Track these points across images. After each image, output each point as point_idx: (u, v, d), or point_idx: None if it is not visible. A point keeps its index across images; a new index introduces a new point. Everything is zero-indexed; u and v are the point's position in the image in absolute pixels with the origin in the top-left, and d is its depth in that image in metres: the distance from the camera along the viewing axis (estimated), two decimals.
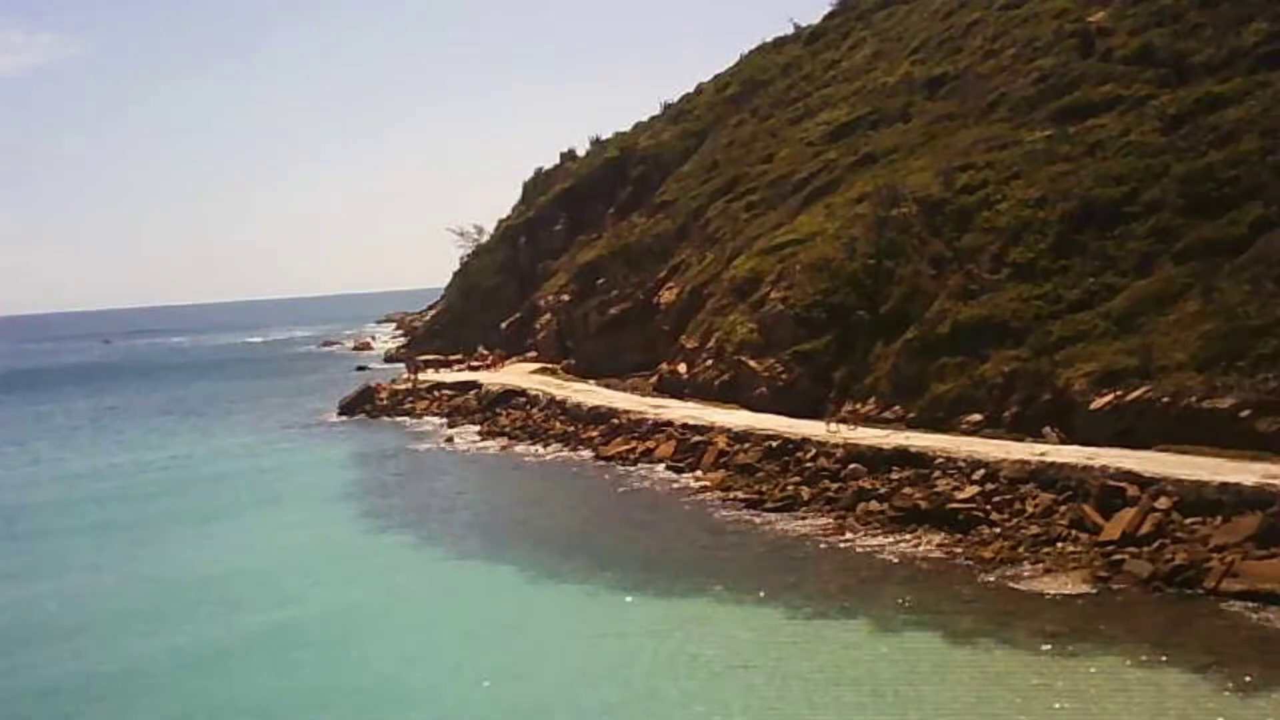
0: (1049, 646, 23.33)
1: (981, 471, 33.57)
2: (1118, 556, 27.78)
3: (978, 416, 42.15)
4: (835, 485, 37.30)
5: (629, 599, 28.82)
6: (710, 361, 59.05)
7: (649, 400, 57.29)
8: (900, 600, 26.98)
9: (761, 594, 28.31)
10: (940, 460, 35.47)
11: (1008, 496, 32.07)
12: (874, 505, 34.74)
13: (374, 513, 42.10)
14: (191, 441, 67.55)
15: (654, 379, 66.40)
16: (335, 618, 28.83)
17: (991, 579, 28.10)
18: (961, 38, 71.62)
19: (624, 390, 65.07)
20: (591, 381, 68.86)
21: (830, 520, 34.83)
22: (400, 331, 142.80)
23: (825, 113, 77.11)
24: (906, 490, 34.53)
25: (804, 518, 35.80)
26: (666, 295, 73.52)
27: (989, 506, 31.94)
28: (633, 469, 46.04)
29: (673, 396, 59.27)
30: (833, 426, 45.54)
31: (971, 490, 32.62)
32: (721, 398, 55.59)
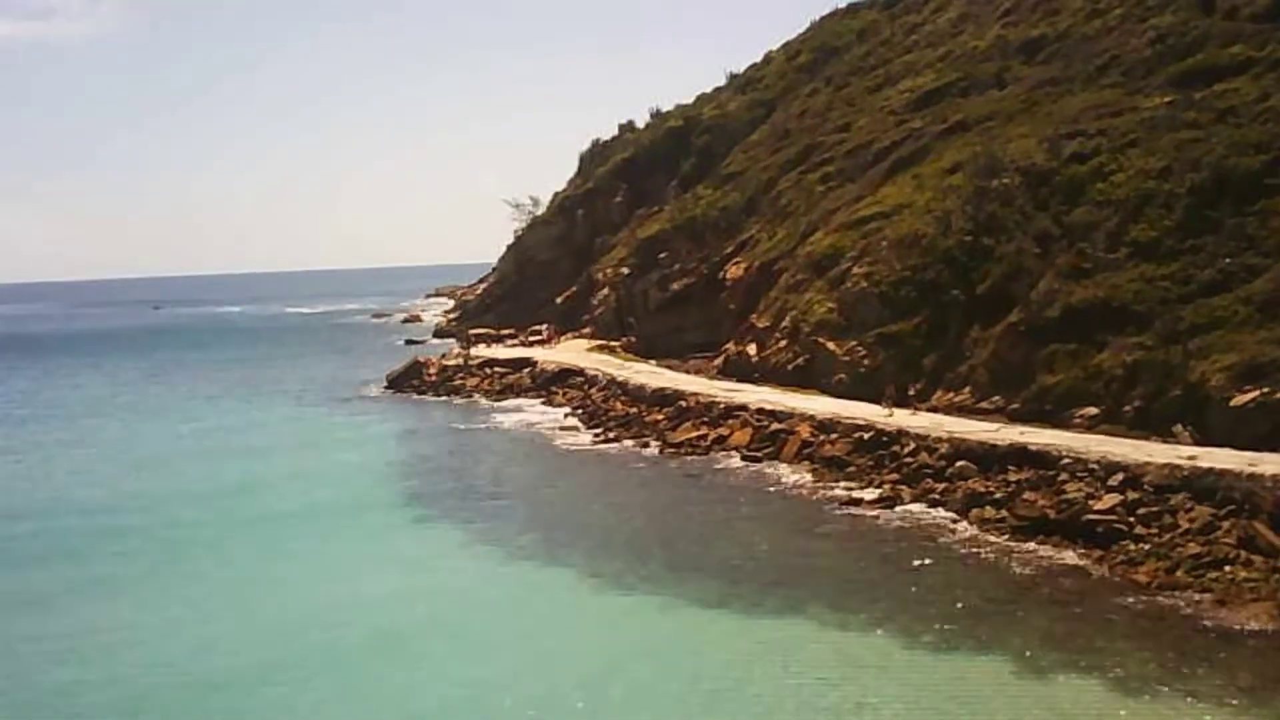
0: (1240, 702, 18.86)
1: (1120, 476, 28.90)
2: None
3: (1093, 411, 37.47)
4: (941, 485, 32.81)
5: (712, 616, 24.50)
6: (784, 343, 54.61)
7: (718, 383, 52.92)
8: (1045, 630, 22.52)
9: (870, 614, 23.99)
10: (1067, 461, 30.83)
11: (1155, 508, 27.41)
12: (990, 511, 30.23)
13: (418, 501, 38.06)
14: (230, 410, 64.37)
15: (719, 360, 62.06)
16: (382, 639, 24.69)
17: (1150, 608, 23.56)
18: None
19: (685, 372, 60.85)
20: (653, 362, 64.58)
21: (938, 524, 30.36)
22: (451, 305, 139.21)
23: (908, 79, 72.23)
24: (1029, 495, 29.96)
25: (906, 521, 31.39)
26: (733, 271, 69.09)
27: (1133, 519, 27.34)
28: (704, 458, 41.68)
29: (740, 380, 54.94)
30: (888, 410, 41.89)
31: (1111, 499, 27.97)
32: (796, 382, 51.19)
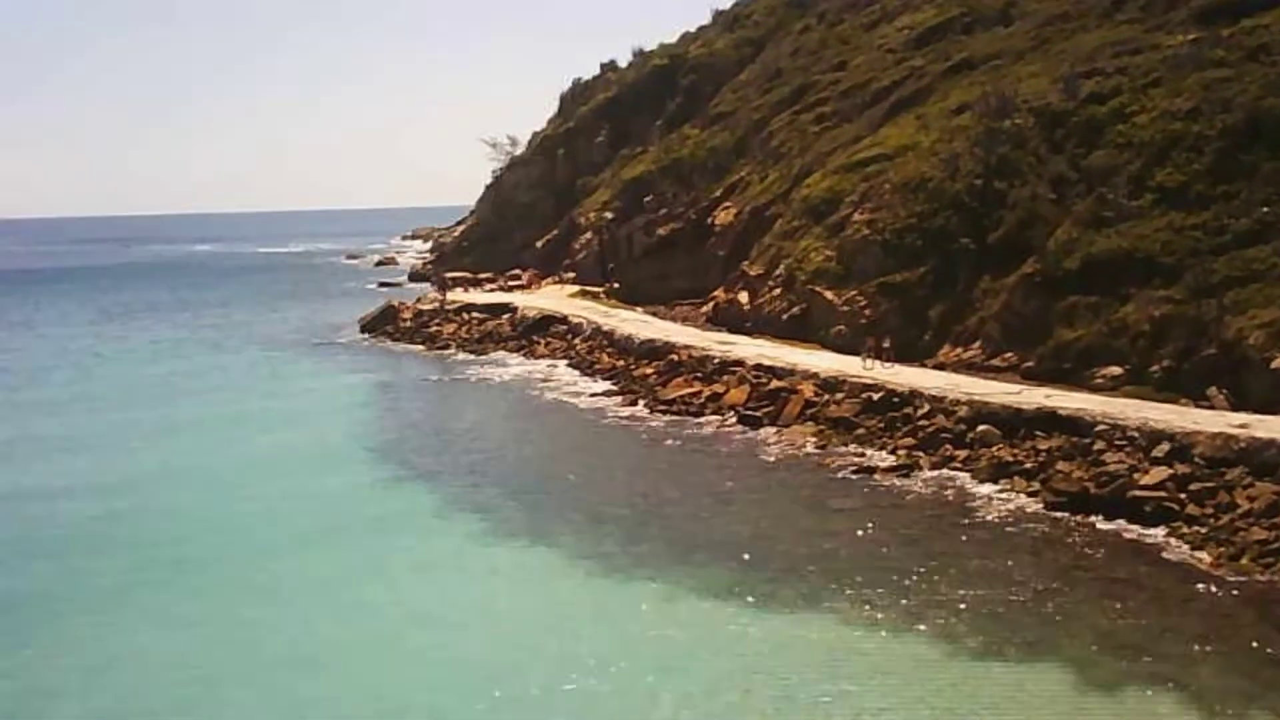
0: None
1: (1166, 447, 26.31)
2: None
3: (1117, 370, 34.93)
4: (963, 452, 30.12)
5: (719, 609, 21.55)
6: (778, 291, 51.80)
7: (711, 335, 50.04)
8: (1103, 630, 19.81)
9: (900, 609, 21.18)
10: (1103, 427, 28.20)
11: (1209, 484, 24.83)
12: (1020, 483, 27.60)
13: (387, 462, 35.03)
14: (192, 353, 61.29)
15: (707, 308, 59.29)
16: (341, 637, 21.85)
17: (1214, 600, 21.04)
18: None
19: (671, 319, 57.99)
20: (639, 309, 61.64)
21: (962, 497, 27.75)
22: (428, 247, 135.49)
23: (906, 16, 69.08)
24: (1063, 466, 27.33)
25: (927, 492, 28.68)
26: (722, 216, 66.07)
27: (1184, 496, 24.78)
28: (698, 419, 38.88)
29: (731, 329, 52.18)
30: (868, 363, 39.78)
31: (1159, 473, 25.37)
32: (790, 333, 48.46)
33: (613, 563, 24.52)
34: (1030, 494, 27.09)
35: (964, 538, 25.06)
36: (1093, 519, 25.47)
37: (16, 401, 47.23)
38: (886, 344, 41.30)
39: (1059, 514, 25.95)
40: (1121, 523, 25.04)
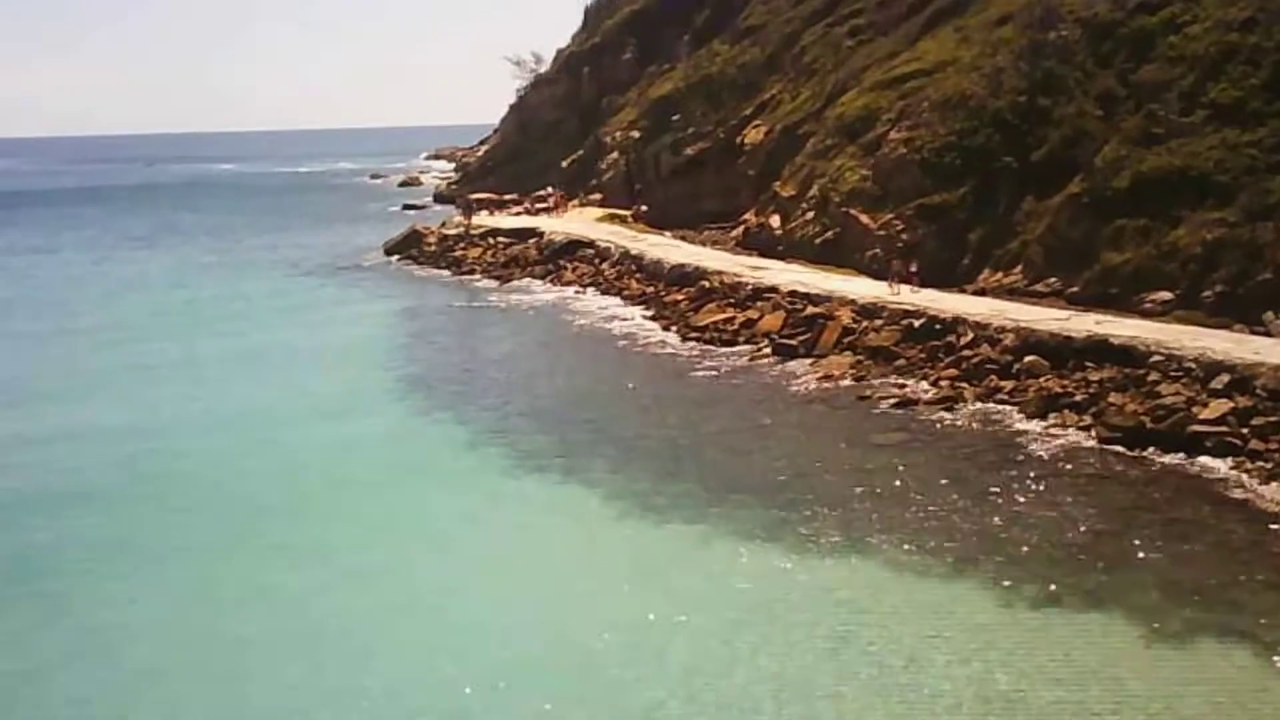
0: None
1: (1225, 378, 25.19)
2: None
3: (1167, 295, 33.68)
4: (1009, 383, 29.01)
5: (760, 553, 20.67)
6: (811, 214, 50.45)
7: (742, 259, 48.85)
8: (1171, 579, 18.75)
9: (952, 555, 20.15)
10: (1158, 358, 27.04)
11: (1273, 419, 23.73)
12: (1071, 416, 26.55)
13: (414, 395, 34.24)
14: (215, 279, 60.63)
15: (737, 231, 58.03)
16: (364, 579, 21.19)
17: None
18: None
19: (701, 243, 56.81)
20: (668, 233, 60.39)
21: (1010, 431, 26.78)
22: (452, 168, 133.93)
23: None
24: (1116, 399, 26.24)
25: (973, 426, 27.58)
26: (752, 135, 64.42)
27: (1246, 431, 23.72)
28: (731, 347, 37.86)
29: (762, 253, 50.97)
30: (895, 287, 38.81)
31: (1220, 406, 24.27)
32: (824, 258, 47.23)
33: (648, 502, 23.70)
34: (1082, 428, 26.04)
35: (1015, 476, 24.01)
36: (1150, 454, 24.44)
37: (36, 333, 46.58)
38: (914, 268, 40.16)
39: (1114, 449, 24.92)
40: (1181, 457, 24.03)
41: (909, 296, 37.74)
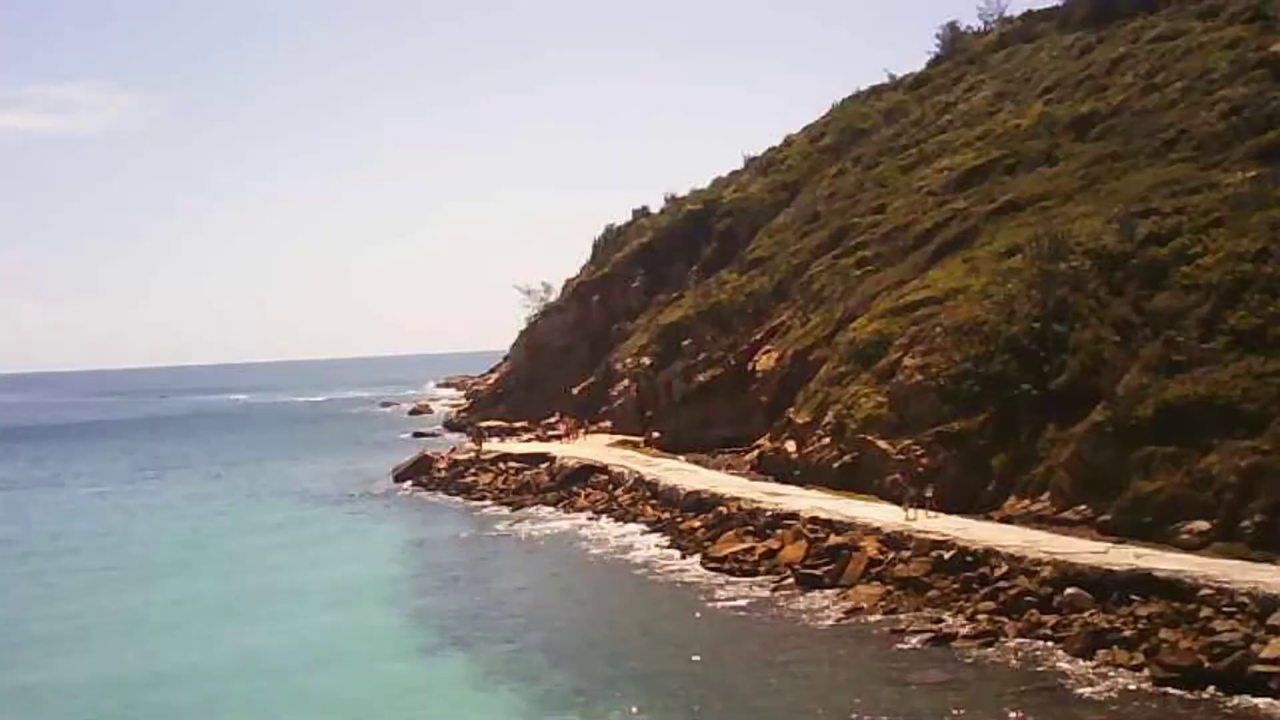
0: None
1: None
2: None
3: (1204, 525, 32.55)
4: (1051, 618, 27.65)
5: None
6: (827, 440, 49.88)
7: (759, 485, 48.05)
8: None
9: None
10: (1207, 592, 25.83)
11: None
12: (1121, 654, 25.11)
13: (424, 628, 32.96)
14: (223, 510, 59.72)
15: (751, 456, 57.43)
16: None
17: None
18: (1106, 75, 63.21)
19: (715, 468, 56.12)
20: (682, 458, 59.79)
21: (1056, 671, 25.23)
22: (461, 395, 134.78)
23: (945, 158, 68.46)
24: (1168, 635, 24.91)
25: (1016, 665, 26.07)
26: (764, 361, 64.73)
27: None
28: (752, 578, 36.52)
29: (779, 479, 50.20)
30: (911, 514, 37.93)
31: None
32: (841, 483, 46.40)
33: None
34: (1133, 667, 24.57)
35: (1070, 718, 22.44)
36: (1210, 695, 22.95)
37: (30, 569, 45.21)
38: (929, 492, 39.36)
39: (1171, 690, 23.40)
40: (1245, 699, 22.51)
41: (927, 522, 36.83)
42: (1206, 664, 23.43)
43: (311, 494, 63.91)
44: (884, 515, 38.25)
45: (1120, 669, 24.66)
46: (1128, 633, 25.65)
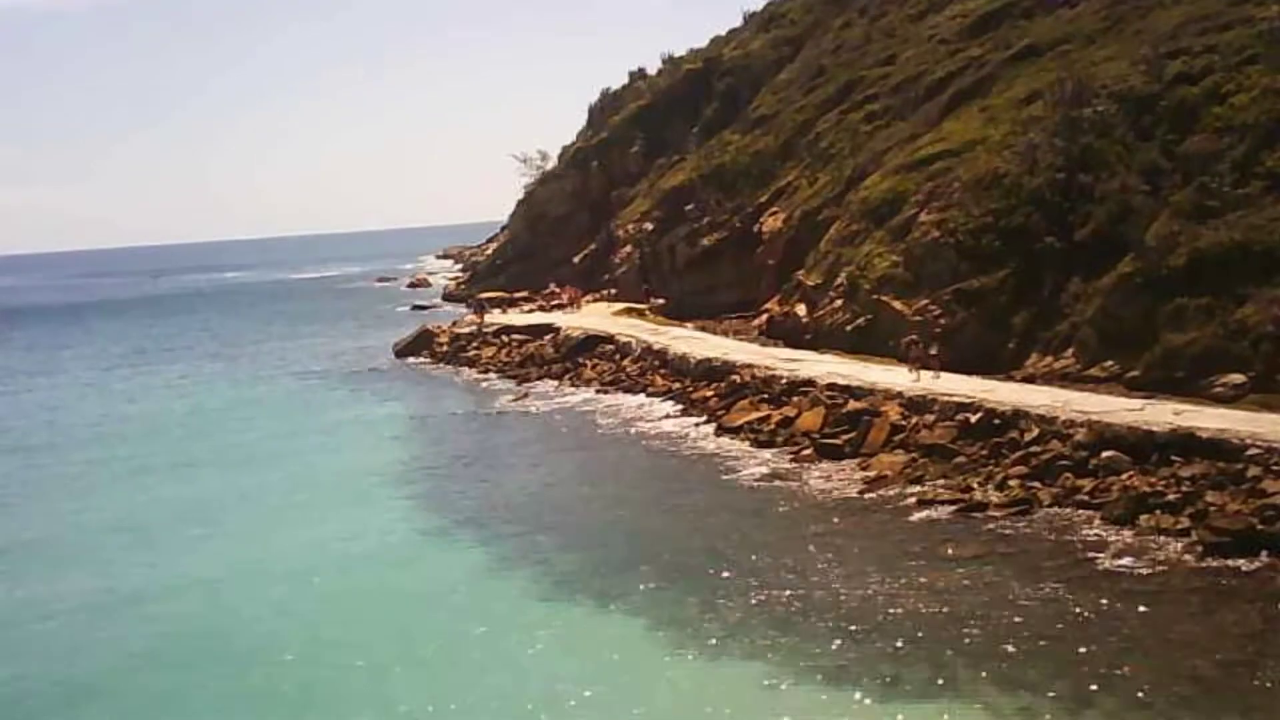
0: None
1: None
2: None
3: (1239, 378, 31.25)
4: (1088, 483, 26.35)
5: (835, 693, 17.89)
6: (839, 302, 48.27)
7: (772, 351, 46.60)
8: None
9: (1063, 693, 17.34)
10: (1255, 450, 24.48)
11: None
12: (1165, 519, 23.90)
13: (429, 507, 31.87)
14: (225, 388, 58.74)
15: (759, 321, 55.91)
16: None
17: None
18: None
19: (722, 334, 54.65)
20: (689, 325, 58.30)
21: (1098, 540, 24.08)
22: (459, 267, 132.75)
23: (956, 4, 65.31)
24: (1214, 497, 23.65)
25: (1053, 534, 24.75)
26: (770, 222, 62.75)
27: None
28: (771, 447, 35.29)
29: (789, 344, 48.77)
30: (914, 373, 36.82)
31: None
32: (855, 347, 44.98)
33: (700, 633, 21.04)
34: (1178, 533, 23.38)
35: (1116, 592, 21.19)
36: (1265, 563, 21.70)
37: (29, 458, 44.24)
38: (934, 350, 37.93)
39: (1222, 558, 22.21)
40: None
41: (932, 383, 35.53)
42: (1259, 527, 22.19)
43: (313, 371, 62.63)
44: (904, 379, 36.83)
45: (1164, 535, 23.46)
46: (1171, 496, 24.37)
